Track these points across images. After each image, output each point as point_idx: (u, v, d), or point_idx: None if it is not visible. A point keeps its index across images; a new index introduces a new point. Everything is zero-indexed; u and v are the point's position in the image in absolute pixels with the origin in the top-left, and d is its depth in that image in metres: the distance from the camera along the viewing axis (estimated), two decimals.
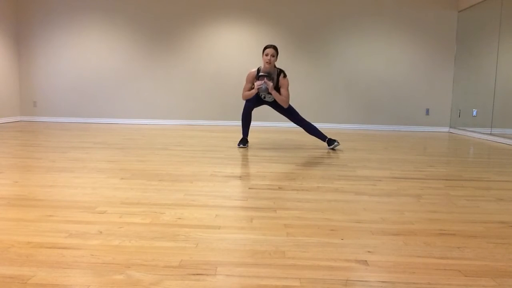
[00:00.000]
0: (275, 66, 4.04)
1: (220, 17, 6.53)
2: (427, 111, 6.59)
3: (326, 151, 4.03)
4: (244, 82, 4.32)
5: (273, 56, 3.95)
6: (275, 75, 4.02)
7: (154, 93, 6.68)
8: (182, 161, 3.26)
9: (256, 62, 6.57)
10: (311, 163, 3.32)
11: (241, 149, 4.00)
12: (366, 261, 1.41)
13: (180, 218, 1.83)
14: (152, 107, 6.70)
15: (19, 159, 3.21)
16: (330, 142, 4.12)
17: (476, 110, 5.84)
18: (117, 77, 6.67)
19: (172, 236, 1.60)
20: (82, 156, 3.40)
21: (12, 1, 6.50)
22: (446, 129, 6.59)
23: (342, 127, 6.63)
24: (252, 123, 6.65)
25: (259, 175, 2.79)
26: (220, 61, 6.61)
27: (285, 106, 4.07)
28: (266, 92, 4.02)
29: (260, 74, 3.98)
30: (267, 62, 3.94)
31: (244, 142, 4.21)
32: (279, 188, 2.45)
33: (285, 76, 4.04)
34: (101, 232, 1.64)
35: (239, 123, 6.66)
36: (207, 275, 1.28)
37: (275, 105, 4.20)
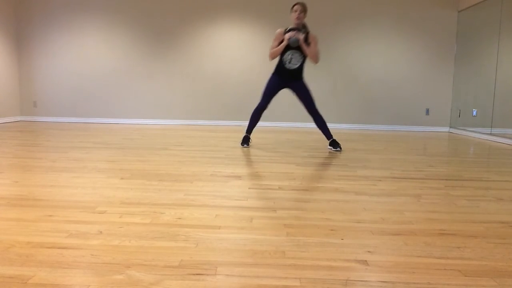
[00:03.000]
0: (303, 24, 3.95)
1: (220, 17, 6.53)
2: (427, 111, 6.59)
3: (327, 151, 4.03)
4: (274, 43, 4.04)
5: (302, 12, 3.87)
6: (304, 33, 3.94)
7: (154, 93, 6.68)
8: (182, 161, 3.26)
9: (256, 62, 6.57)
10: (311, 163, 3.32)
11: (241, 149, 3.99)
12: (366, 261, 1.41)
13: (180, 218, 1.83)
14: (152, 107, 6.70)
15: (19, 159, 3.21)
16: (334, 144, 4.09)
17: (476, 110, 5.84)
18: (117, 77, 6.67)
19: (172, 236, 1.60)
20: (82, 156, 3.40)
21: (12, 1, 6.50)
22: (446, 129, 6.59)
23: (342, 127, 6.63)
24: None
25: (259, 175, 2.79)
26: (221, 61, 6.61)
27: (316, 61, 3.96)
28: (296, 44, 3.86)
29: (290, 28, 3.91)
30: (296, 18, 3.87)
31: (246, 141, 4.20)
32: (279, 188, 2.45)
33: (313, 34, 3.95)
34: (101, 232, 1.64)
35: (239, 123, 6.67)
36: (207, 275, 1.28)
37: (296, 86, 4.04)
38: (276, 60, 6.52)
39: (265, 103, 4.10)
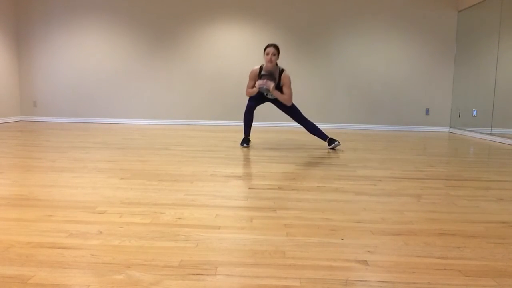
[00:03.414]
0: (276, 65, 4.03)
1: (220, 17, 6.53)
2: (427, 111, 6.59)
3: (326, 151, 4.03)
4: (248, 80, 4.33)
5: (274, 55, 3.94)
6: (277, 74, 4.01)
7: (154, 93, 6.68)
8: (182, 161, 3.26)
9: (257, 62, 6.57)
10: (311, 163, 3.32)
11: (241, 149, 4.00)
12: (366, 261, 1.41)
13: (180, 218, 1.83)
14: (152, 107, 6.70)
15: (19, 159, 3.21)
16: (331, 141, 4.11)
17: (476, 110, 5.84)
18: (117, 77, 6.67)
19: (172, 236, 1.60)
20: (82, 156, 3.40)
21: (12, 1, 6.50)
22: (446, 129, 6.59)
23: (342, 127, 6.63)
24: (253, 123, 6.64)
25: (259, 175, 2.79)
26: (221, 61, 6.61)
27: (288, 105, 4.07)
28: (267, 91, 4.01)
29: (262, 74, 3.98)
30: (268, 61, 3.94)
31: (246, 141, 4.21)
32: (279, 188, 2.45)
33: (286, 74, 4.02)
34: (101, 232, 1.64)
35: (240, 123, 6.67)
36: (207, 275, 1.28)
37: (278, 103, 4.19)
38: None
39: (252, 105, 4.17)
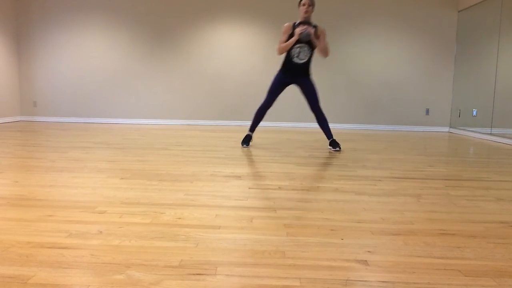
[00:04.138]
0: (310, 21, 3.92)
1: (220, 17, 6.53)
2: (427, 111, 6.59)
3: (327, 151, 4.03)
4: (281, 36, 3.99)
5: (310, 6, 3.84)
6: (313, 27, 3.90)
7: (154, 93, 6.68)
8: (182, 161, 3.26)
9: (257, 61, 6.57)
10: (311, 163, 3.32)
11: (241, 149, 3.99)
12: (366, 261, 1.41)
13: (180, 218, 1.83)
14: (152, 107, 6.70)
15: (19, 159, 3.21)
16: (334, 144, 4.08)
17: (476, 110, 5.84)
18: (117, 77, 6.67)
19: (172, 236, 1.60)
20: (82, 156, 3.40)
21: (12, 1, 6.50)
22: (446, 129, 6.59)
23: (342, 127, 6.63)
24: None
25: (259, 175, 2.79)
26: (221, 61, 6.61)
27: (326, 55, 3.93)
28: (308, 38, 3.81)
29: (300, 21, 3.87)
30: (304, 12, 3.84)
31: (247, 141, 4.17)
32: (279, 188, 2.45)
33: (321, 28, 3.90)
34: (101, 232, 1.64)
35: (240, 123, 6.67)
36: (207, 275, 1.28)
37: (302, 81, 3.99)
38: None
39: (269, 101, 4.07)
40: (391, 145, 4.58)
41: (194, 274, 1.28)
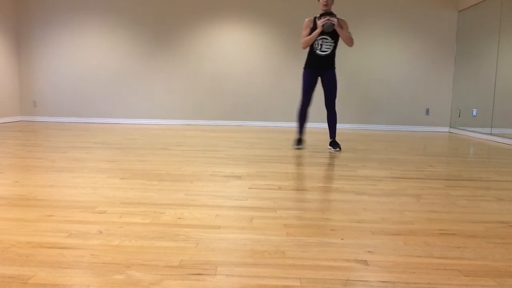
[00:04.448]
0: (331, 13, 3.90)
1: (220, 17, 6.53)
2: (427, 111, 6.59)
3: (327, 151, 4.03)
4: (303, 31, 3.93)
5: None
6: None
7: (154, 93, 6.68)
8: (182, 161, 3.26)
9: (257, 61, 6.57)
10: (311, 163, 3.32)
11: (241, 149, 3.99)
12: (366, 261, 1.41)
13: (180, 218, 1.83)
14: (152, 107, 6.70)
15: (19, 159, 3.21)
16: (335, 144, 4.09)
17: (476, 110, 5.84)
18: (117, 77, 6.67)
19: (172, 236, 1.60)
20: (82, 156, 3.40)
21: (12, 1, 6.50)
22: (446, 129, 6.59)
23: (342, 127, 6.63)
24: (252, 123, 6.65)
25: (259, 175, 2.79)
26: (220, 61, 6.61)
27: (351, 44, 3.90)
28: (331, 29, 3.80)
29: (322, 13, 3.86)
30: (324, 5, 3.82)
31: (300, 142, 4.16)
32: (279, 188, 2.45)
33: (342, 19, 3.89)
34: (101, 232, 1.64)
35: (240, 123, 6.67)
36: (207, 275, 1.28)
37: (327, 74, 3.96)
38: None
39: (306, 101, 4.04)
40: (391, 145, 4.58)
41: (194, 274, 1.28)
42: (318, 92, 6.56)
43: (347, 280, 1.27)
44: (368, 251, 1.50)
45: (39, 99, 6.75)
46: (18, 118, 6.76)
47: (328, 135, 5.30)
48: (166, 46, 6.60)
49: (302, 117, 4.12)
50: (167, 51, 6.61)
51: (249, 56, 6.58)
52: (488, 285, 1.25)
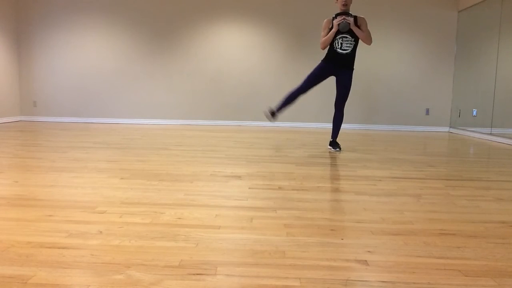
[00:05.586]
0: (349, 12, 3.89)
1: (220, 17, 6.53)
2: (427, 111, 6.59)
3: (327, 151, 4.03)
4: (321, 31, 3.92)
5: None
6: (352, 17, 3.87)
7: (154, 93, 6.68)
8: (182, 161, 3.26)
9: (257, 61, 6.57)
10: (311, 163, 3.32)
11: (240, 149, 3.99)
12: (366, 261, 1.41)
13: (180, 218, 1.83)
14: (152, 107, 6.70)
15: (19, 159, 3.21)
16: (335, 144, 4.09)
17: (476, 110, 5.84)
18: (117, 77, 6.67)
19: (172, 236, 1.60)
20: (82, 156, 3.40)
21: (12, 1, 6.50)
22: (446, 129, 6.59)
23: (342, 127, 6.62)
24: (251, 123, 6.64)
25: (259, 175, 2.79)
26: (220, 61, 6.61)
27: (369, 43, 3.88)
28: (347, 28, 3.79)
29: (337, 13, 3.85)
30: (343, 5, 3.80)
31: (273, 115, 4.17)
32: (279, 188, 2.45)
33: (361, 17, 3.88)
34: (101, 232, 1.64)
35: (239, 123, 6.66)
36: (207, 275, 1.28)
37: (343, 74, 3.94)
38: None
39: (304, 88, 4.02)
40: (391, 145, 4.58)
41: (194, 274, 1.28)
42: (320, 92, 6.56)
43: (347, 280, 1.27)
44: (368, 251, 1.50)
45: (39, 99, 6.75)
46: (18, 118, 6.76)
47: (328, 135, 5.30)
48: (166, 46, 6.59)
49: (290, 100, 4.09)
50: (167, 51, 6.61)
51: (249, 56, 6.58)
52: (488, 285, 1.25)
